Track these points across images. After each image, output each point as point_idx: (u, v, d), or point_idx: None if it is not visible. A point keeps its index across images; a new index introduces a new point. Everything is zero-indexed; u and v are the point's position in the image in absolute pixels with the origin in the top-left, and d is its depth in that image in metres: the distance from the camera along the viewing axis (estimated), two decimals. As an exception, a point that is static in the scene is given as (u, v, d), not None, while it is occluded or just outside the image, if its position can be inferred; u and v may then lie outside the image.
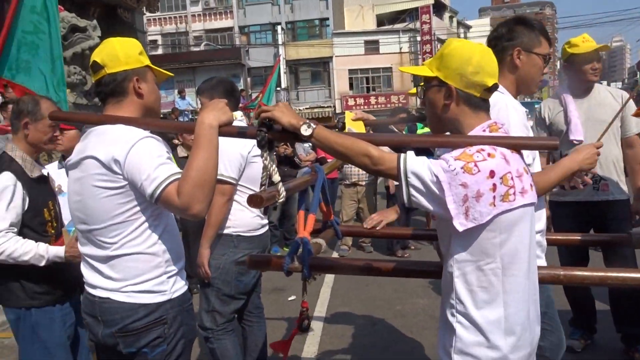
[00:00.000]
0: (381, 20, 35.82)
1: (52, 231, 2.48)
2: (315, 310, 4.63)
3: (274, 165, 1.67)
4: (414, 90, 6.32)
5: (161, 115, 2.12)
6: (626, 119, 3.21)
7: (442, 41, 32.24)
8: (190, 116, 15.41)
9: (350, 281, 5.31)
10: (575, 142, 3.14)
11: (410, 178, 1.43)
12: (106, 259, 1.73)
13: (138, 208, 1.70)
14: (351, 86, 32.89)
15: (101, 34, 6.84)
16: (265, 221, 3.00)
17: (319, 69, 33.38)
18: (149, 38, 27.32)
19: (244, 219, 2.84)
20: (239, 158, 2.76)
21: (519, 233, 1.46)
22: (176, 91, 20.86)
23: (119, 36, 1.88)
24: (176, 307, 1.79)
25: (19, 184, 2.34)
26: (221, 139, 1.66)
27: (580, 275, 1.76)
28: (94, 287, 1.77)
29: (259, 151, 2.78)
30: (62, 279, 2.46)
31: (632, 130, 3.25)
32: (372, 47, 32.98)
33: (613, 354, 3.46)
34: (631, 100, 3.28)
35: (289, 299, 4.98)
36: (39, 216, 2.43)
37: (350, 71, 32.64)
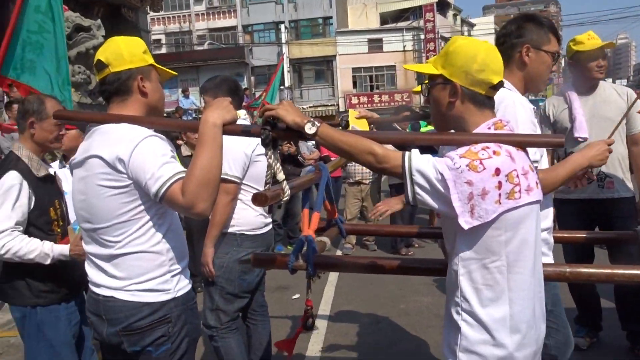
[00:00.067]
0: (385, 18, 35.77)
1: (58, 230, 2.50)
2: (320, 308, 4.63)
3: (278, 164, 1.67)
4: (418, 88, 6.29)
5: (165, 114, 2.12)
6: (632, 117, 3.20)
7: (445, 39, 32.18)
8: (193, 115, 15.42)
9: (354, 279, 5.31)
10: (580, 139, 3.13)
11: (415, 176, 1.42)
12: (110, 258, 1.73)
13: (142, 207, 1.70)
14: (355, 84, 32.87)
15: (105, 33, 6.85)
16: (269, 220, 3.00)
17: (323, 68, 33.37)
18: (153, 37, 27.42)
19: (248, 218, 2.84)
20: (243, 157, 2.76)
21: (524, 231, 1.45)
22: (180, 90, 20.88)
23: (123, 35, 1.88)
24: (180, 305, 1.79)
25: (25, 183, 2.36)
26: (225, 138, 1.66)
27: (586, 272, 1.75)
28: (98, 285, 1.77)
29: (262, 150, 2.81)
30: (68, 277, 2.47)
31: (638, 128, 3.24)
32: (375, 46, 32.95)
33: (618, 352, 3.45)
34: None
35: (293, 297, 4.99)
36: (45, 215, 2.44)
37: (354, 69, 32.63)
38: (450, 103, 1.53)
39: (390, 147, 1.61)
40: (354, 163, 6.28)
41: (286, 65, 28.82)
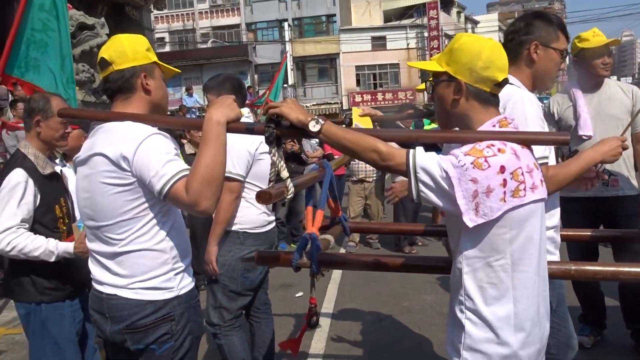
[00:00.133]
0: (388, 16, 35.68)
1: (64, 227, 2.51)
2: (323, 306, 4.63)
3: (282, 162, 1.67)
4: (421, 86, 6.30)
5: (168, 112, 2.12)
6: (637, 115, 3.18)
7: (449, 37, 32.09)
8: (197, 113, 15.43)
9: (357, 277, 5.31)
10: (584, 137, 3.12)
11: (419, 174, 1.41)
12: (114, 256, 1.73)
13: (146, 205, 1.70)
14: (358, 82, 32.84)
15: (109, 31, 6.86)
16: (272, 218, 3.00)
17: (326, 66, 33.35)
18: (157, 35, 27.41)
19: (250, 216, 2.84)
20: (247, 155, 2.76)
21: (529, 229, 1.44)
22: (184, 88, 20.88)
23: (127, 34, 1.88)
24: (183, 303, 1.79)
25: (31, 181, 2.37)
26: (228, 136, 1.66)
27: (591, 270, 1.74)
28: (101, 283, 1.77)
29: (266, 148, 2.81)
30: (72, 275, 2.48)
31: (643, 126, 3.22)
32: (379, 43, 32.89)
33: (623, 351, 3.44)
34: None
35: (297, 295, 4.99)
36: (50, 212, 2.46)
37: (357, 67, 32.59)
38: (455, 100, 1.52)
39: (394, 144, 1.60)
40: (357, 161, 6.33)
41: (290, 63, 28.82)
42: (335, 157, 6.09)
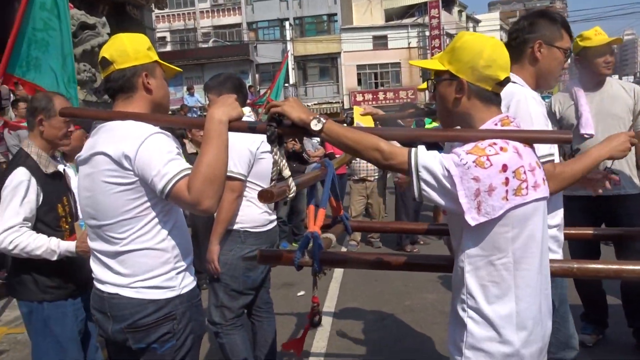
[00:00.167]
0: (389, 15, 35.66)
1: (66, 226, 2.52)
2: (324, 305, 4.63)
3: (284, 160, 1.66)
4: (423, 85, 6.29)
5: (170, 112, 2.13)
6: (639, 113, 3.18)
7: (451, 36, 32.05)
8: (198, 113, 15.43)
9: (359, 276, 5.31)
10: (586, 136, 3.11)
11: (421, 172, 1.41)
12: (115, 255, 1.73)
13: (148, 204, 1.70)
14: (359, 82, 32.83)
15: (110, 31, 6.87)
16: (274, 217, 3.01)
17: (327, 65, 33.35)
18: (158, 35, 27.45)
19: (251, 215, 2.84)
20: (248, 154, 2.76)
21: (531, 227, 1.44)
22: (185, 88, 20.90)
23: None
24: (185, 302, 1.79)
25: (34, 180, 2.38)
26: (229, 135, 1.66)
27: (594, 268, 1.73)
28: (103, 282, 1.77)
29: (267, 147, 2.79)
30: (74, 274, 2.48)
31: (645, 125, 3.22)
32: (380, 43, 32.87)
33: (625, 349, 3.44)
34: None
35: (298, 294, 4.99)
36: (53, 211, 2.46)
37: (359, 67, 32.58)
38: (457, 99, 1.52)
39: (395, 143, 1.60)
40: (359, 160, 6.32)
41: (291, 63, 28.82)
42: (337, 156, 6.09)
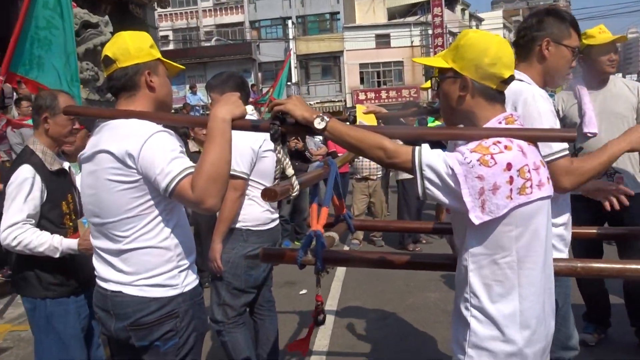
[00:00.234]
0: (392, 13, 35.61)
1: (70, 224, 2.53)
2: (327, 304, 4.63)
3: (287, 159, 1.66)
4: (427, 84, 6.28)
5: (172, 111, 2.13)
6: (641, 112, 3.17)
7: (453, 34, 31.97)
8: (201, 111, 15.43)
9: (361, 275, 5.31)
10: (589, 134, 3.10)
11: (425, 171, 1.41)
12: (119, 253, 1.74)
13: (151, 202, 1.70)
14: (362, 80, 32.79)
15: (113, 29, 6.87)
16: (276, 215, 3.01)
17: (330, 64, 33.30)
18: (160, 34, 27.43)
19: (253, 213, 2.85)
20: (250, 153, 2.76)
21: (535, 226, 1.44)
22: (187, 86, 20.89)
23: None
24: (188, 300, 1.79)
25: (38, 177, 2.40)
26: (232, 134, 1.66)
27: (597, 267, 1.73)
28: (105, 280, 1.78)
29: (269, 146, 2.82)
30: (77, 271, 2.49)
31: (649, 123, 3.20)
32: (383, 41, 32.82)
33: (627, 349, 3.43)
34: None
35: (301, 292, 5.00)
36: (57, 208, 2.48)
37: (361, 65, 32.52)
38: (461, 97, 1.51)
39: (398, 142, 1.59)
40: (361, 159, 6.31)
41: (293, 61, 28.78)
42: (339, 154, 6.09)
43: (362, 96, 31.03)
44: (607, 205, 2.19)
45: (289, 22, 32.08)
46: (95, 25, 6.62)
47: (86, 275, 2.48)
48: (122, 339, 1.79)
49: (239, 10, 34.11)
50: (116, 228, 1.72)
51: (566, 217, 2.03)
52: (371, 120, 2.61)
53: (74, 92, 3.96)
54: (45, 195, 2.42)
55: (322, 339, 3.88)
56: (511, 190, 1.37)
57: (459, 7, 38.24)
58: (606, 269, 1.71)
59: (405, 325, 4.13)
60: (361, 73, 32.74)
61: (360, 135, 1.49)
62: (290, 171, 1.67)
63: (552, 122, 1.87)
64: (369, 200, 6.74)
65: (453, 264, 1.64)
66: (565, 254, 2.00)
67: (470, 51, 1.49)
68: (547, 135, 1.59)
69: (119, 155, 1.65)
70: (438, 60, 1.56)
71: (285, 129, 1.58)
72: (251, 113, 2.96)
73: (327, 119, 1.51)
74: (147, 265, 1.73)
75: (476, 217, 1.38)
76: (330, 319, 4.26)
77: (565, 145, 1.83)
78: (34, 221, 2.39)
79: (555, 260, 1.62)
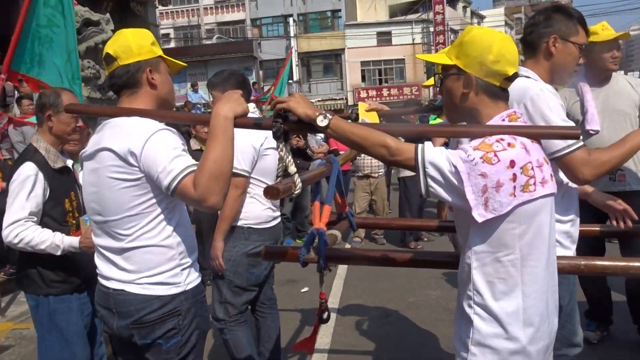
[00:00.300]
0: (394, 11, 35.55)
1: (73, 221, 2.54)
2: (328, 302, 4.61)
3: (290, 157, 1.66)
4: (429, 82, 6.26)
5: (174, 108, 2.12)
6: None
7: (455, 32, 31.95)
8: (202, 109, 15.44)
9: (363, 273, 5.31)
10: (591, 132, 3.09)
11: (428, 169, 1.40)
12: (121, 251, 1.73)
13: (154, 200, 1.70)
14: (363, 78, 32.76)
15: (114, 27, 6.86)
16: (277, 213, 3.00)
17: (331, 61, 33.28)
18: (162, 31, 27.43)
19: (255, 212, 2.84)
20: (252, 151, 2.76)
21: (538, 224, 1.43)
22: (189, 84, 20.90)
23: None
24: (190, 298, 1.79)
25: (41, 175, 2.40)
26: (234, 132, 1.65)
27: (601, 265, 1.72)
28: (108, 278, 1.77)
29: (271, 144, 2.81)
30: (80, 268, 2.50)
31: (651, 120, 3.19)
32: (384, 39, 32.79)
33: (629, 346, 3.43)
34: None
35: (302, 290, 5.00)
36: (60, 206, 2.48)
37: (363, 63, 32.50)
38: (464, 94, 1.51)
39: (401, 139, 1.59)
40: (363, 156, 6.32)
41: (295, 59, 28.76)
42: (341, 152, 6.08)
43: (363, 94, 31.00)
44: (614, 223, 2.22)
45: (291, 20, 32.06)
46: (97, 23, 6.60)
47: (89, 273, 2.48)
48: (125, 337, 1.79)
49: (240, 7, 34.09)
50: (118, 226, 1.72)
51: (573, 214, 2.02)
52: (373, 118, 2.61)
53: (76, 90, 3.95)
54: (48, 193, 2.43)
55: (323, 337, 3.88)
56: (514, 187, 1.37)
57: (460, 5, 38.18)
58: (610, 267, 1.71)
59: (406, 323, 4.13)
60: (362, 71, 32.71)
61: (364, 133, 1.48)
62: (292, 169, 1.66)
63: (563, 116, 1.86)
64: (371, 198, 6.74)
65: (455, 262, 1.64)
66: (571, 251, 2.00)
67: (474, 48, 1.48)
68: (550, 133, 1.58)
69: (121, 153, 1.65)
70: (442, 57, 1.55)
71: (288, 127, 1.57)
72: (253, 111, 2.95)
73: (330, 117, 1.50)
74: (149, 263, 1.72)
75: (479, 214, 1.38)
76: (331, 317, 4.22)
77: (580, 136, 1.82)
78: (36, 219, 2.39)
79: (558, 258, 1.62)
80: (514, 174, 1.36)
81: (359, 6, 35.34)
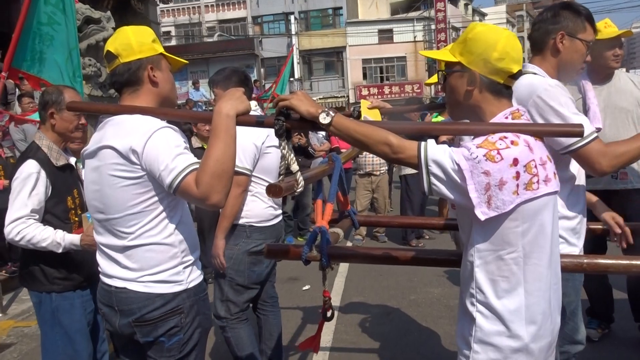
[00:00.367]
0: (395, 8, 35.49)
1: (75, 219, 2.54)
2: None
3: (292, 155, 1.65)
4: (432, 79, 6.26)
5: (176, 106, 2.11)
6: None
7: (457, 29, 31.89)
8: (203, 107, 15.43)
9: (364, 271, 5.31)
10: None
11: (431, 166, 1.40)
12: (123, 249, 1.73)
13: (156, 198, 1.70)
14: (365, 76, 32.72)
15: (115, 25, 6.85)
16: (279, 212, 3.00)
17: (333, 59, 33.24)
18: (163, 29, 27.39)
19: (256, 210, 2.84)
20: (253, 149, 2.76)
21: (541, 222, 1.43)
22: (190, 82, 20.89)
23: (133, 27, 1.87)
24: (192, 296, 1.79)
25: (43, 172, 2.41)
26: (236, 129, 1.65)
27: (604, 264, 1.72)
28: (110, 276, 1.77)
29: (272, 142, 2.81)
30: (82, 265, 2.50)
31: (653, 118, 3.18)
32: (386, 36, 32.73)
33: (631, 344, 3.43)
34: None
35: (304, 288, 5.00)
36: (62, 204, 2.49)
37: (364, 61, 32.46)
38: (468, 92, 1.50)
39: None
40: (365, 154, 6.31)
41: (296, 57, 28.74)
42: (342, 150, 6.08)
43: (365, 92, 30.98)
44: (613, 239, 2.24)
45: (292, 18, 32.01)
46: (98, 20, 6.59)
47: (91, 270, 2.49)
48: (127, 334, 1.79)
49: (242, 5, 34.05)
50: (120, 224, 1.72)
51: (580, 211, 2.02)
52: (376, 116, 2.60)
53: (77, 87, 3.96)
54: (51, 190, 2.43)
55: (325, 334, 3.88)
56: (517, 185, 1.36)
57: (462, 2, 38.10)
58: (613, 265, 1.70)
59: (408, 321, 4.13)
60: (364, 68, 32.68)
61: (366, 131, 1.48)
62: (295, 167, 1.66)
63: (575, 110, 1.86)
64: (372, 195, 6.74)
65: (457, 260, 1.63)
66: (578, 248, 1.99)
67: (478, 45, 1.47)
68: (554, 130, 1.57)
69: (123, 151, 1.64)
70: (445, 54, 1.55)
71: (290, 124, 1.57)
72: (254, 109, 2.95)
73: (333, 114, 1.49)
74: (151, 261, 1.73)
75: (482, 212, 1.37)
76: (334, 315, 4.26)
77: (593, 128, 1.82)
78: (37, 216, 2.39)
79: (561, 256, 1.61)
80: (517, 172, 1.36)
81: (361, 4, 35.28)
